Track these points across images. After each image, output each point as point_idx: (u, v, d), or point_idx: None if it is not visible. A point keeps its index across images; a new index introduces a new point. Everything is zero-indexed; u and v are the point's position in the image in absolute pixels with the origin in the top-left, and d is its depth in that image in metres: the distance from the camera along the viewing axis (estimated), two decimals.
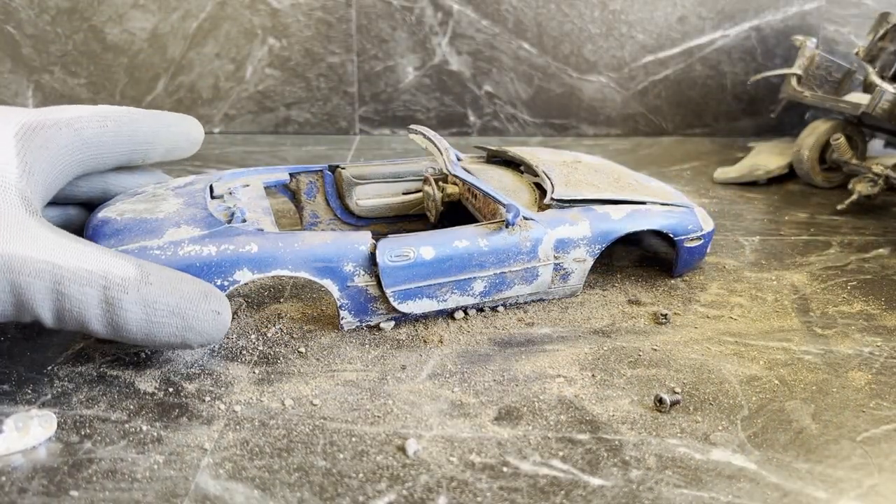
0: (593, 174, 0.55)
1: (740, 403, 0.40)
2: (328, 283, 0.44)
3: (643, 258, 0.58)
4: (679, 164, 0.85)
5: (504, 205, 0.48)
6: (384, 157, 0.86)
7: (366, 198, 0.60)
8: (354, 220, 0.60)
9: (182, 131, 0.52)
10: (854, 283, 0.54)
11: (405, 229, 0.60)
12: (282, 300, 0.50)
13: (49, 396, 0.39)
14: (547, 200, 0.50)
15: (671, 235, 0.52)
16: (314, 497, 0.33)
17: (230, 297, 0.50)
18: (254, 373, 0.42)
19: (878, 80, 0.71)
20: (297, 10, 0.88)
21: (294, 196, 0.59)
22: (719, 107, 0.95)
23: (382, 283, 0.44)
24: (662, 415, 0.39)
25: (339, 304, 0.45)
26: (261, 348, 0.44)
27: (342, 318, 0.46)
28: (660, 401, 0.40)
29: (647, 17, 0.90)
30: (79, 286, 0.37)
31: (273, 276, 0.44)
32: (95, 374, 0.41)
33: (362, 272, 0.44)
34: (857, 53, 0.77)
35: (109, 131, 0.46)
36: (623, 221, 0.50)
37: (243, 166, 0.74)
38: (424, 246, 0.45)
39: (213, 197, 0.50)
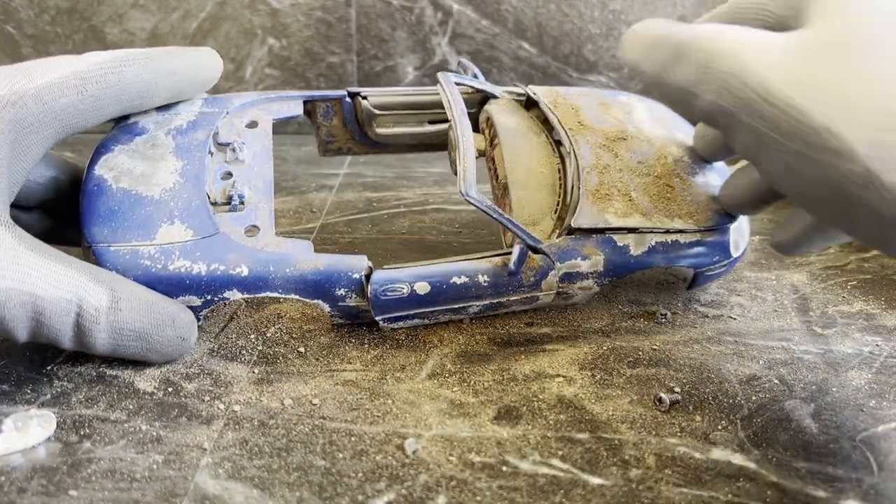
0: (632, 170, 0.48)
1: (740, 403, 0.40)
2: (319, 303, 0.44)
3: None
4: None
5: (519, 236, 0.43)
6: (384, 156, 0.86)
7: (387, 126, 0.57)
8: (373, 144, 0.57)
9: (187, 78, 0.47)
10: (854, 282, 0.54)
11: (426, 150, 0.58)
12: (281, 300, 0.50)
13: (48, 396, 0.39)
14: (565, 226, 0.45)
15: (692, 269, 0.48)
16: (313, 496, 0.33)
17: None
18: (253, 372, 0.42)
19: None
20: (296, 9, 0.88)
21: (310, 116, 0.56)
22: None
23: (373, 312, 0.44)
24: (662, 414, 0.39)
25: (330, 314, 0.45)
26: (260, 348, 0.44)
27: (333, 320, 0.46)
28: (659, 400, 0.40)
29: (648, 17, 0.90)
30: (58, 317, 0.37)
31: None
32: (94, 373, 0.41)
33: (354, 296, 0.43)
34: None
35: (89, 96, 0.42)
36: (641, 258, 0.45)
37: None
38: (420, 282, 0.43)
39: (217, 144, 0.48)
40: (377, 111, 0.55)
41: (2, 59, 0.88)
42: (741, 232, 0.49)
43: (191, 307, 0.42)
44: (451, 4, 0.88)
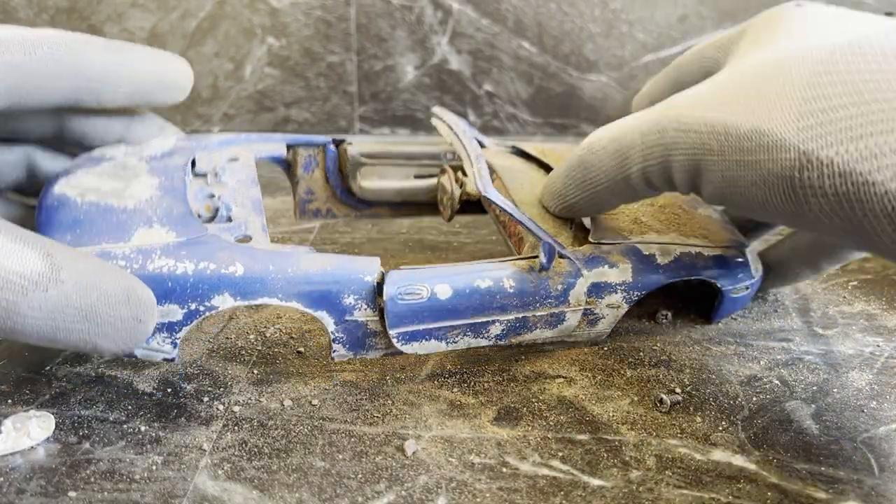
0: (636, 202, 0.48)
1: (741, 404, 0.40)
2: (322, 316, 0.38)
3: None
4: None
5: (540, 240, 0.41)
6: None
7: (371, 179, 0.53)
8: (355, 201, 0.54)
9: (154, 71, 0.41)
10: (855, 282, 0.54)
11: (410, 214, 0.55)
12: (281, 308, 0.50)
13: (47, 397, 0.39)
14: (588, 242, 0.43)
15: (718, 286, 0.45)
16: (313, 498, 0.33)
17: None
18: (252, 373, 0.42)
19: None
20: (296, 9, 0.88)
21: (289, 168, 0.53)
22: None
23: (387, 321, 0.39)
24: (662, 415, 0.39)
25: (332, 337, 0.40)
26: (259, 348, 0.44)
27: (334, 351, 0.40)
28: (660, 401, 0.39)
29: (648, 16, 0.90)
30: None
31: (259, 305, 0.38)
32: (94, 374, 0.41)
33: (364, 306, 0.39)
34: None
35: (37, 59, 0.36)
36: (669, 269, 0.43)
37: None
38: (441, 283, 0.39)
39: (195, 174, 0.45)
40: (364, 159, 0.52)
41: None
42: (756, 258, 0.48)
43: (170, 323, 0.37)
44: (451, 3, 0.88)
